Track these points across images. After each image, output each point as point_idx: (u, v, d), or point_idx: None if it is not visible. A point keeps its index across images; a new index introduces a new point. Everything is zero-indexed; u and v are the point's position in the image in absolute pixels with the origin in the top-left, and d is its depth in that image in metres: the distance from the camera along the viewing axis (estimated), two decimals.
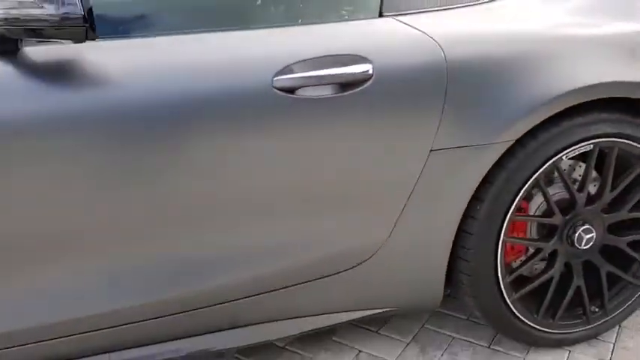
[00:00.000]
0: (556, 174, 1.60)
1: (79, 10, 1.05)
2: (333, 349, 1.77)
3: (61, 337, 1.32)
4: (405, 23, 1.43)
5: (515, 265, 1.71)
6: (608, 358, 1.73)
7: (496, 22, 1.50)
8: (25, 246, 1.22)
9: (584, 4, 1.61)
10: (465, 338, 1.81)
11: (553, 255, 1.65)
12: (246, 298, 1.44)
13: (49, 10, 1.06)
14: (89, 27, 1.07)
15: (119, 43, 1.24)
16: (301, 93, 1.30)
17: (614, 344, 1.78)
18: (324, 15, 1.41)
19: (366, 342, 1.80)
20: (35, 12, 1.07)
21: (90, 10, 1.07)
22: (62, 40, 1.13)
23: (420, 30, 1.41)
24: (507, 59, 1.42)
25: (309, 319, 1.56)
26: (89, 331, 1.34)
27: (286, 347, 1.78)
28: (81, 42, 1.10)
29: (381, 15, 1.44)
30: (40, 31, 1.10)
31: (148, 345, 1.42)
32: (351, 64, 1.33)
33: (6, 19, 1.09)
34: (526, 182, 1.49)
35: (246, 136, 1.28)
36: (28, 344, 1.30)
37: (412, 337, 1.82)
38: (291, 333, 1.56)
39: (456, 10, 1.51)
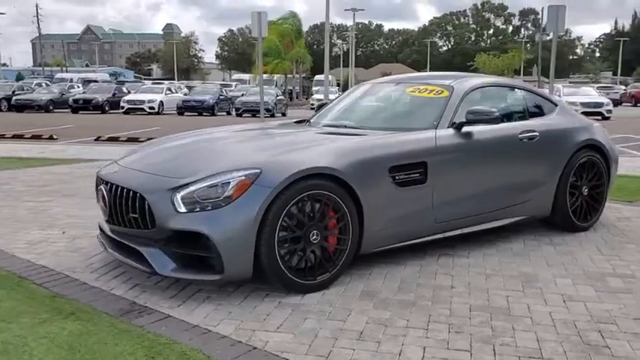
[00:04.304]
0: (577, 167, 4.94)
1: (497, 113, 4.18)
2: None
3: (466, 217, 4.28)
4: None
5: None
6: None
7: (554, 120, 4.91)
8: (465, 186, 4.28)
9: (564, 117, 5.09)
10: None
11: (578, 196, 4.96)
12: (496, 211, 4.55)
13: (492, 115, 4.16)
14: (501, 120, 4.20)
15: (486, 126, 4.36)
16: (523, 140, 4.53)
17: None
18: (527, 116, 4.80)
19: None
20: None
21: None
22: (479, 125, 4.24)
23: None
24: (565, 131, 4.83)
25: (504, 219, 4.62)
26: (466, 217, 4.30)
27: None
28: (496, 124, 4.22)
29: (530, 118, 4.78)
30: (482, 123, 4.20)
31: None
32: (531, 132, 4.60)
33: (468, 121, 4.15)
34: (574, 166, 4.85)
35: (510, 153, 4.48)
36: (461, 219, 4.26)
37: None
38: (499, 224, 4.61)
39: (540, 117, 4.90)
